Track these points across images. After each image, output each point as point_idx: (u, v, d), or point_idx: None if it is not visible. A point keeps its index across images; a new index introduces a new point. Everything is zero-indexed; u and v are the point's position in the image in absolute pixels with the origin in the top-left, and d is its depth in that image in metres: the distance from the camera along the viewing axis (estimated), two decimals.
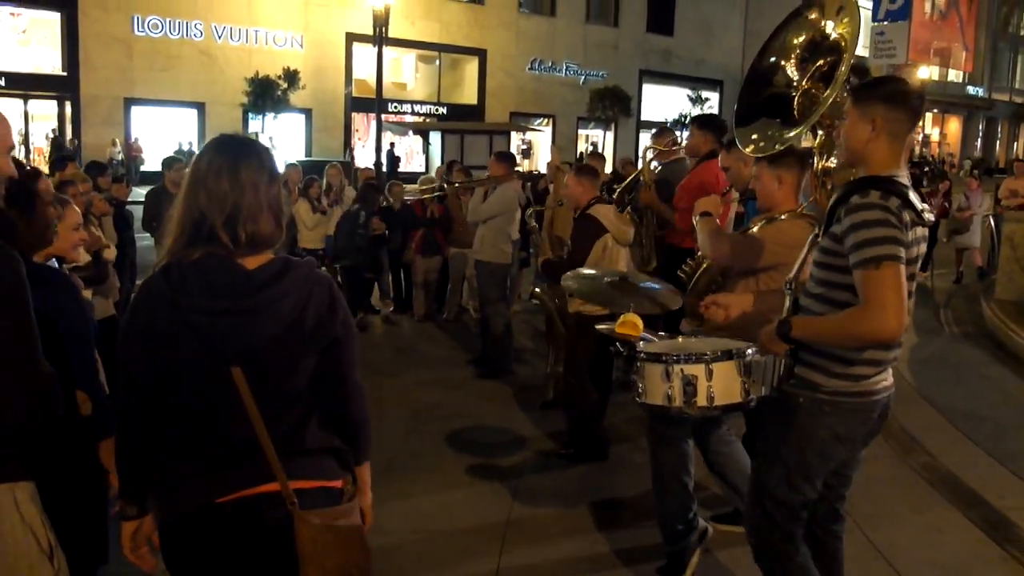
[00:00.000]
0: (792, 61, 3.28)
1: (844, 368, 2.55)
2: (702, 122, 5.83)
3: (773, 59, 3.32)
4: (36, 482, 2.05)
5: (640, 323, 3.06)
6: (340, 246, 8.29)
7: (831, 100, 2.91)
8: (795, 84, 3.27)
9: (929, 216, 2.49)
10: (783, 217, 3.46)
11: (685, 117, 31.83)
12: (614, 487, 4.64)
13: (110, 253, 4.90)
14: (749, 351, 2.73)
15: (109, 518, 2.45)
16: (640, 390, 2.88)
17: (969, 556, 3.91)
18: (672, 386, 2.75)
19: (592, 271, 4.15)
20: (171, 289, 1.82)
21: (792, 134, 3.17)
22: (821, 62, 3.18)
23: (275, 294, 1.85)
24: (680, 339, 3.13)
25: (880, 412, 2.64)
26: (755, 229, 3.54)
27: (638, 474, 4.82)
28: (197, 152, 1.99)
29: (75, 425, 2.27)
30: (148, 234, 8.62)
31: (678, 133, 6.89)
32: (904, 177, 2.47)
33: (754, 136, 3.31)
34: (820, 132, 3.14)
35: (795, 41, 3.26)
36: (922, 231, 2.49)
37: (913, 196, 2.42)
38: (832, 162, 3.33)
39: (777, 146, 3.25)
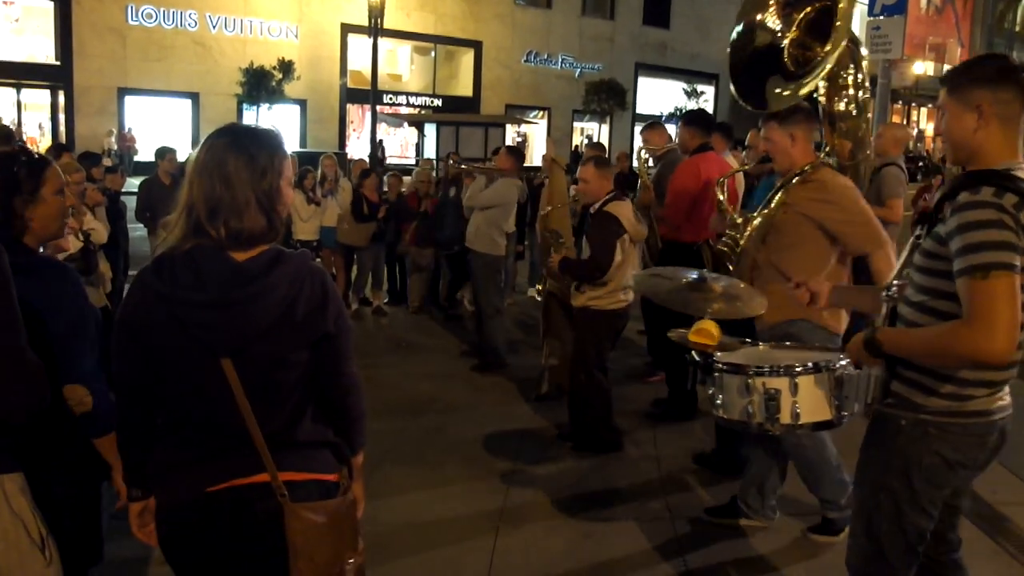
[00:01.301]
0: (772, 10, 3.26)
1: (950, 387, 2.23)
2: (689, 119, 5.91)
3: (753, 16, 3.30)
4: (27, 476, 2.04)
5: (717, 331, 2.76)
6: (448, 234, 8.15)
7: (838, 50, 2.85)
8: (780, 33, 3.26)
9: None
10: (808, 169, 3.45)
11: (680, 110, 31.82)
12: (607, 479, 4.65)
13: (98, 236, 4.85)
14: (840, 363, 2.45)
15: (103, 516, 2.43)
16: (718, 403, 2.62)
17: (962, 550, 3.92)
18: (752, 401, 2.50)
19: (662, 270, 3.89)
20: (161, 281, 1.83)
21: (804, 90, 3.12)
22: (808, 9, 3.15)
23: (264, 286, 1.83)
24: (761, 347, 2.87)
25: (999, 433, 2.32)
26: (784, 195, 3.46)
27: (631, 466, 4.84)
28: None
29: (66, 420, 2.24)
30: (141, 224, 8.62)
31: (671, 127, 6.88)
32: (1021, 170, 2.15)
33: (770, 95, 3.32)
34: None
35: None
36: None
37: None
38: (841, 106, 3.31)
39: (789, 101, 3.23)
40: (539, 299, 5.69)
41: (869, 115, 3.93)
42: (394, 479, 4.50)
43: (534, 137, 33.14)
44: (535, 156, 26.16)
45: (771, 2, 3.50)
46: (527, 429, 5.45)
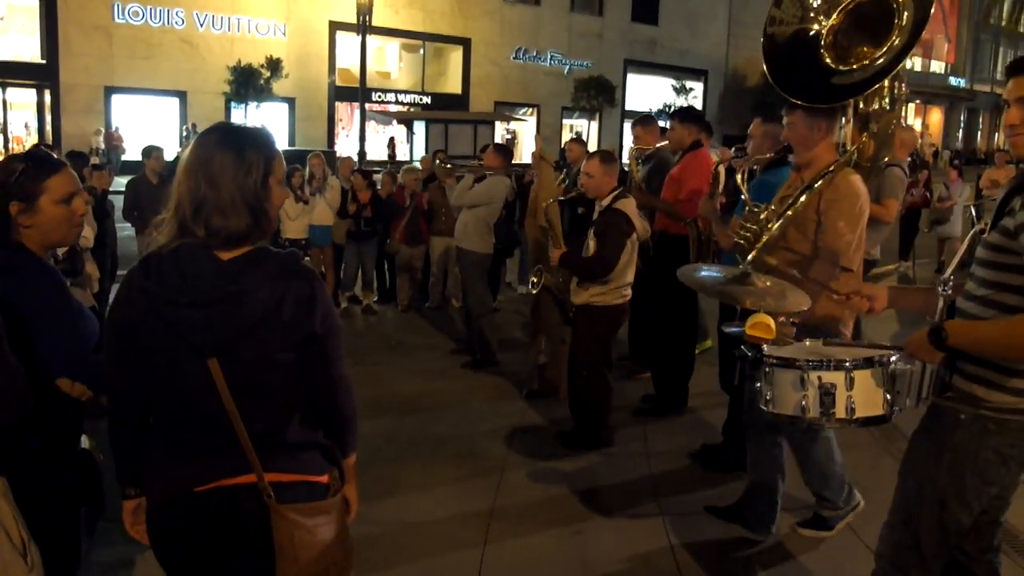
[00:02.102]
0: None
1: (1013, 381, 2.22)
2: (683, 116, 5.94)
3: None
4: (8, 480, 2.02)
5: (774, 324, 2.72)
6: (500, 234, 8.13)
7: (902, 50, 2.81)
8: (814, 16, 3.21)
9: None
10: (833, 170, 3.39)
11: (669, 107, 31.88)
12: (598, 477, 4.65)
13: (86, 241, 4.82)
14: (894, 358, 2.45)
15: (82, 518, 2.41)
16: (767, 398, 2.60)
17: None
18: (807, 395, 2.49)
19: (708, 267, 3.79)
20: (147, 280, 1.83)
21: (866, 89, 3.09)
22: None
23: (247, 285, 1.82)
24: (808, 343, 2.85)
25: None
26: (810, 196, 3.38)
27: (622, 463, 4.84)
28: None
29: (48, 423, 2.22)
30: (129, 224, 8.57)
31: (661, 123, 6.87)
32: None
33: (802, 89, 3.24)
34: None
35: None
36: None
37: None
38: (876, 105, 3.28)
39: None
40: (534, 292, 5.65)
41: (900, 116, 3.90)
42: (385, 478, 4.50)
43: (523, 134, 33.15)
44: (524, 153, 26.17)
45: None
46: (518, 427, 5.45)
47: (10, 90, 24.91)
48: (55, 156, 2.53)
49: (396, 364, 6.92)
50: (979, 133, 55.70)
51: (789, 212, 3.41)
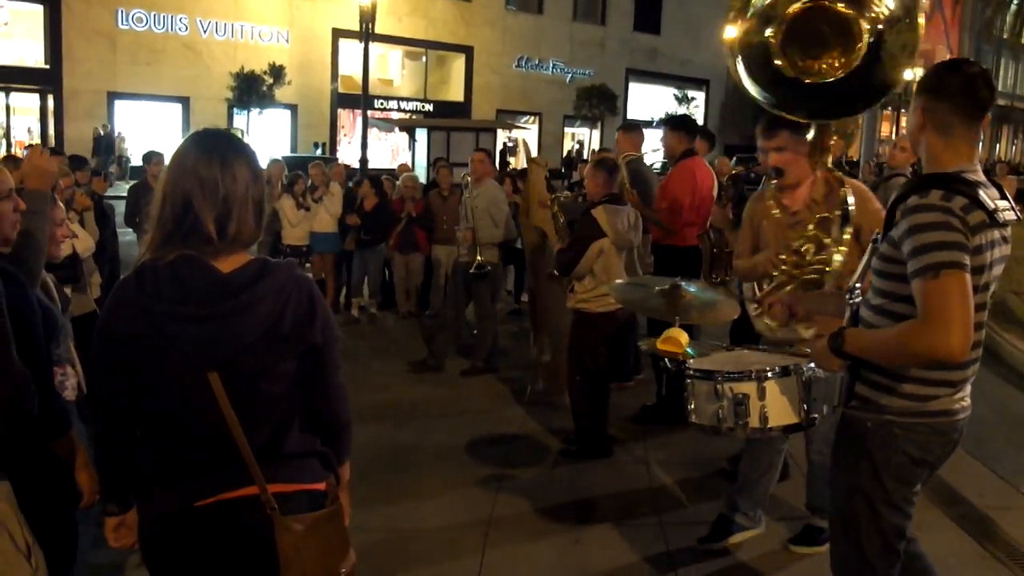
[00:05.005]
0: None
1: (911, 387, 2.27)
2: (675, 124, 5.93)
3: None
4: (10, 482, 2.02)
5: (685, 338, 2.75)
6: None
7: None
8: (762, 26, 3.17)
9: (1008, 215, 2.21)
10: (844, 187, 3.37)
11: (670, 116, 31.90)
12: (597, 486, 4.64)
13: (80, 244, 4.82)
14: (809, 366, 2.48)
15: (79, 519, 2.42)
16: (690, 409, 2.65)
17: (949, 554, 3.93)
18: (722, 406, 2.51)
19: (642, 280, 3.82)
20: (143, 294, 1.79)
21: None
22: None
23: (251, 299, 1.81)
24: (736, 351, 2.87)
25: (960, 432, 2.37)
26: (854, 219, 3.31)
27: (621, 472, 4.83)
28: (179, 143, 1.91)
29: (42, 423, 2.22)
30: (131, 229, 8.60)
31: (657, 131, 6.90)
32: (974, 173, 2.22)
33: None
34: None
35: None
36: (998, 233, 2.20)
37: (984, 195, 2.15)
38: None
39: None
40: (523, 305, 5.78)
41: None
42: (383, 486, 4.49)
43: (524, 143, 33.17)
44: (523, 161, 26.17)
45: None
46: (516, 434, 5.45)
47: (13, 95, 24.94)
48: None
49: (395, 370, 6.91)
50: (981, 144, 55.67)
51: (846, 233, 3.28)
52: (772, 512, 4.08)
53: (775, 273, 3.42)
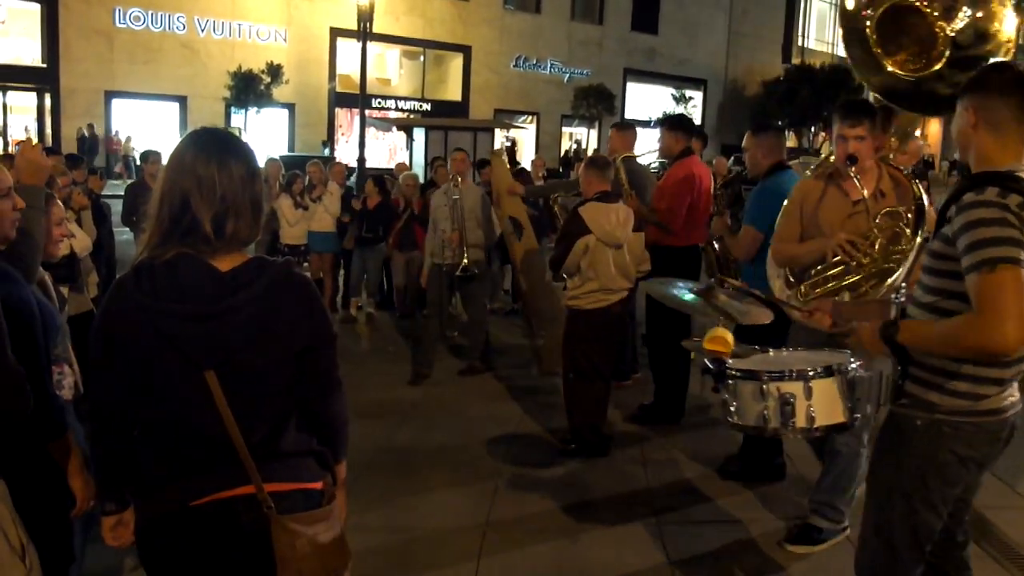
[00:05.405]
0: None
1: (963, 386, 2.28)
2: (672, 123, 5.91)
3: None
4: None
5: (731, 338, 2.74)
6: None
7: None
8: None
9: None
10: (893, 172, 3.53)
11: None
12: (595, 486, 4.63)
13: (78, 244, 4.81)
14: (852, 365, 2.51)
15: (75, 517, 2.41)
16: (732, 410, 2.62)
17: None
18: (767, 406, 2.51)
19: (670, 281, 3.77)
20: (141, 292, 1.79)
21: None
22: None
23: (248, 298, 1.81)
24: (771, 353, 2.86)
25: (1010, 429, 2.36)
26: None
27: (619, 471, 4.83)
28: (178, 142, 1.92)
29: (39, 424, 2.21)
30: (127, 228, 8.58)
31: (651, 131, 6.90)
32: None
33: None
34: None
35: None
36: None
37: None
38: None
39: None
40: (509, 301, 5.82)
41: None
42: (380, 486, 4.48)
43: (523, 142, 33.16)
44: (525, 161, 26.16)
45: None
46: (514, 434, 5.44)
47: (10, 93, 24.91)
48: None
49: (392, 370, 6.90)
50: None
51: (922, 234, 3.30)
52: (771, 511, 4.08)
53: (838, 258, 3.42)
